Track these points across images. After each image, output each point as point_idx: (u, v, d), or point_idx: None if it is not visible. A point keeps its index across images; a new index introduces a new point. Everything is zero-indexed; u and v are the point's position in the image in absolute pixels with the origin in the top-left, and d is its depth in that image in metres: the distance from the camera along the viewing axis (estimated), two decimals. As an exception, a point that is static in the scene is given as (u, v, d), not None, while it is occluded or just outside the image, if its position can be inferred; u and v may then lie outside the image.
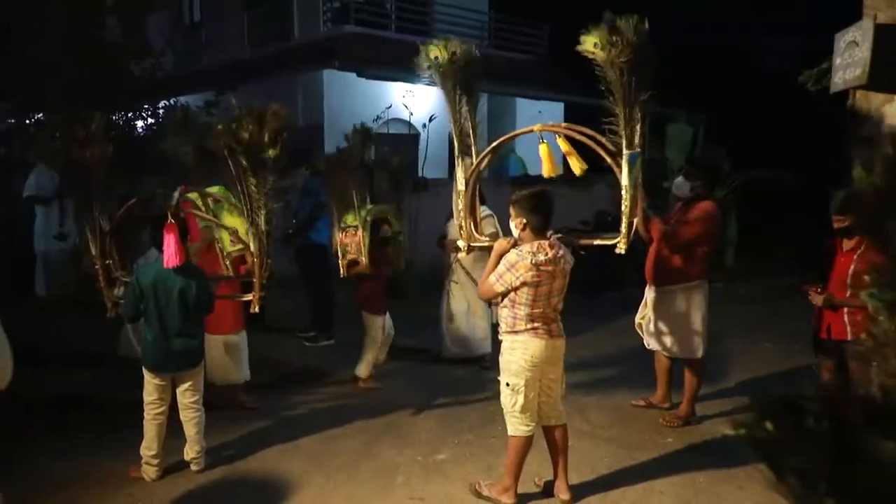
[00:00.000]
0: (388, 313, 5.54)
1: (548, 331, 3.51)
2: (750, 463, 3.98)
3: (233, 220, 4.27)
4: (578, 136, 3.66)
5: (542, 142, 3.83)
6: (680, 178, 4.69)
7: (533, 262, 3.37)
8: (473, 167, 4.05)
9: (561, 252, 3.49)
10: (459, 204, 4.13)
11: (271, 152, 3.94)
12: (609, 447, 4.30)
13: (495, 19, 14.42)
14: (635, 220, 3.69)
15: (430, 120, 9.76)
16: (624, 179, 3.54)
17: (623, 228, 3.65)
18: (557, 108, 14.26)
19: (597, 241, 4.10)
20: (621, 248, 3.69)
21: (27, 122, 9.39)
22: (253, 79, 11.26)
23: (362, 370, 5.42)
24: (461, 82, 4.03)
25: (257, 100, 4.25)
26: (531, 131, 3.87)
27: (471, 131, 4.10)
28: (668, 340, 4.71)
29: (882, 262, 1.05)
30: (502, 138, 4.03)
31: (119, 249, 4.36)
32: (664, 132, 10.76)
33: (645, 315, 4.80)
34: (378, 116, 9.89)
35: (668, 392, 4.95)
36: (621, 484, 3.80)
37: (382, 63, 10.39)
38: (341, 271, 5.21)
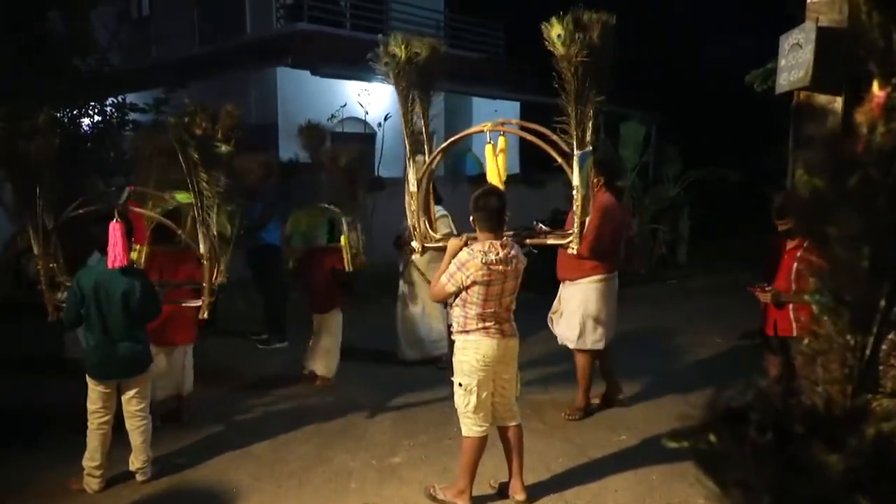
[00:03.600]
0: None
1: (500, 330, 3.49)
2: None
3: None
4: (529, 137, 3.64)
5: (489, 142, 3.80)
6: None
7: (483, 261, 3.35)
8: (425, 167, 4.01)
9: (513, 252, 3.47)
10: (412, 204, 4.08)
11: (224, 148, 3.84)
12: (563, 446, 4.31)
13: (451, 18, 14.41)
14: (587, 220, 3.70)
15: (386, 119, 9.69)
16: (575, 179, 3.54)
17: (575, 228, 3.65)
18: (514, 107, 14.31)
19: (549, 241, 4.10)
20: (573, 248, 3.69)
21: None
22: (204, 76, 11.01)
23: (331, 369, 5.38)
24: (417, 81, 3.95)
25: (209, 97, 4.14)
26: (481, 131, 3.82)
27: (424, 131, 4.05)
28: (565, 332, 4.78)
29: (822, 266, 1.04)
30: (453, 138, 3.99)
31: (66, 252, 4.19)
32: (617, 131, 10.90)
33: (557, 310, 4.85)
34: (333, 115, 9.77)
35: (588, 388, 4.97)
36: (576, 483, 3.82)
37: (337, 61, 10.28)
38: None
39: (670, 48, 14.49)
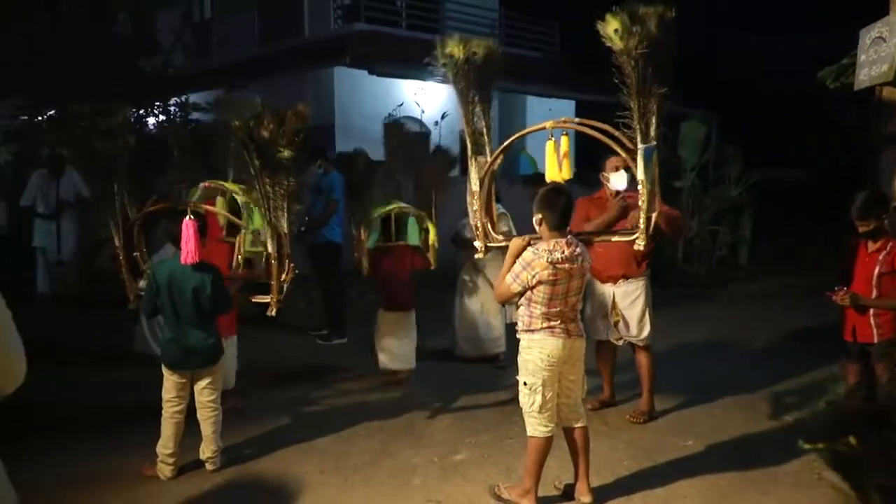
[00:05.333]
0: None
1: (565, 330, 3.45)
2: (770, 466, 3.95)
3: (260, 221, 4.21)
4: (592, 133, 3.59)
5: (551, 139, 3.75)
6: (623, 171, 4.51)
7: (549, 259, 3.31)
8: (487, 166, 3.99)
9: (578, 250, 3.43)
10: (474, 204, 4.07)
11: (286, 153, 3.90)
12: (628, 449, 4.24)
13: (505, 16, 14.37)
14: (654, 216, 3.61)
15: (443, 117, 9.72)
16: (640, 174, 3.46)
17: (641, 224, 3.58)
18: (568, 106, 14.20)
19: (615, 238, 4.04)
20: (639, 245, 3.63)
21: (38, 119, 9.38)
22: (263, 76, 11.23)
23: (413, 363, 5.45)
24: (475, 81, 3.95)
25: (267, 97, 4.21)
26: (543, 128, 3.77)
27: (484, 130, 4.03)
28: (632, 330, 4.68)
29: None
30: (515, 136, 3.95)
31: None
32: (677, 130, 10.68)
33: (617, 310, 4.70)
34: (389, 114, 9.84)
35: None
36: (643, 487, 3.74)
37: (393, 60, 10.35)
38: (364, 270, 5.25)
39: (733, 45, 14.15)
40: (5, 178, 8.96)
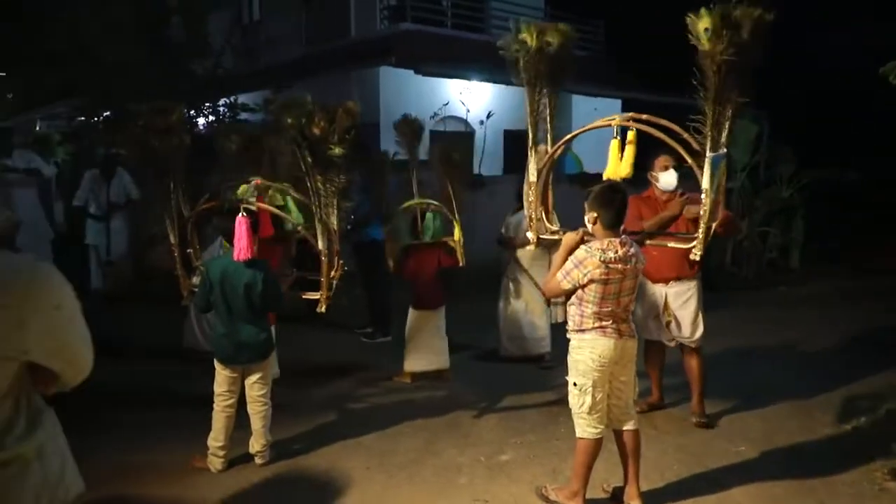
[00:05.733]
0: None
1: (617, 330, 3.39)
2: (827, 475, 3.82)
3: (297, 215, 4.27)
4: (655, 132, 3.48)
5: (616, 137, 3.67)
6: (672, 171, 4.42)
7: (602, 259, 3.26)
8: (547, 157, 3.94)
9: (632, 250, 3.37)
10: (530, 195, 4.03)
11: (337, 150, 3.93)
12: (678, 454, 4.15)
13: (551, 15, 14.25)
14: (713, 225, 3.50)
15: (489, 116, 9.69)
16: (705, 182, 3.30)
17: (700, 233, 3.45)
18: (614, 105, 14.01)
19: (670, 243, 3.96)
20: (696, 255, 3.52)
21: (94, 119, 9.68)
22: (309, 76, 11.37)
23: (445, 361, 5.47)
24: (545, 72, 3.84)
25: (313, 97, 4.26)
26: (610, 125, 3.66)
27: (549, 123, 3.96)
28: (685, 331, 4.60)
29: None
30: (578, 130, 3.88)
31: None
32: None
33: (669, 311, 4.62)
34: (435, 113, 9.87)
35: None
36: (693, 493, 3.66)
37: (439, 60, 10.36)
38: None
39: (784, 40, 13.77)
40: (63, 178, 9.25)
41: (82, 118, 9.99)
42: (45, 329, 1.35)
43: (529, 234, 4.09)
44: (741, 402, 4.95)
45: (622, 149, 3.60)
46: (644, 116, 3.54)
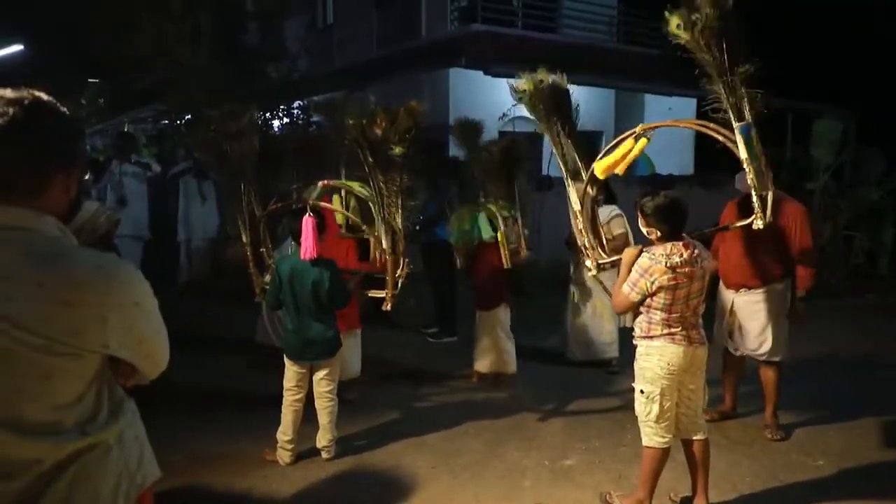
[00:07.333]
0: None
1: (686, 337, 3.30)
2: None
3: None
4: (683, 125, 3.55)
5: (646, 138, 3.67)
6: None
7: (668, 264, 3.18)
8: (583, 195, 3.99)
9: (697, 251, 3.28)
10: (578, 224, 4.02)
11: (398, 150, 3.98)
12: (751, 466, 4.01)
13: (624, 13, 13.99)
14: (768, 194, 3.44)
15: (557, 117, 9.57)
16: (742, 153, 3.37)
17: (755, 205, 3.43)
18: (689, 104, 13.59)
19: (734, 225, 3.89)
20: (758, 225, 3.46)
21: (178, 122, 10.12)
22: (380, 78, 11.53)
23: (506, 364, 5.41)
24: (552, 107, 4.02)
25: (384, 99, 4.34)
26: (633, 134, 3.71)
27: (576, 156, 4.03)
28: (753, 343, 4.44)
29: None
30: (614, 142, 3.86)
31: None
32: (809, 129, 9.98)
33: (734, 321, 4.46)
34: (504, 114, 9.82)
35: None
36: (767, 507, 3.53)
37: (509, 60, 10.31)
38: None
39: (871, 36, 13.05)
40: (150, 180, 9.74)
41: (166, 121, 10.45)
42: (125, 325, 1.42)
43: (588, 263, 4.04)
44: (822, 415, 4.73)
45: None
46: (654, 124, 3.77)
